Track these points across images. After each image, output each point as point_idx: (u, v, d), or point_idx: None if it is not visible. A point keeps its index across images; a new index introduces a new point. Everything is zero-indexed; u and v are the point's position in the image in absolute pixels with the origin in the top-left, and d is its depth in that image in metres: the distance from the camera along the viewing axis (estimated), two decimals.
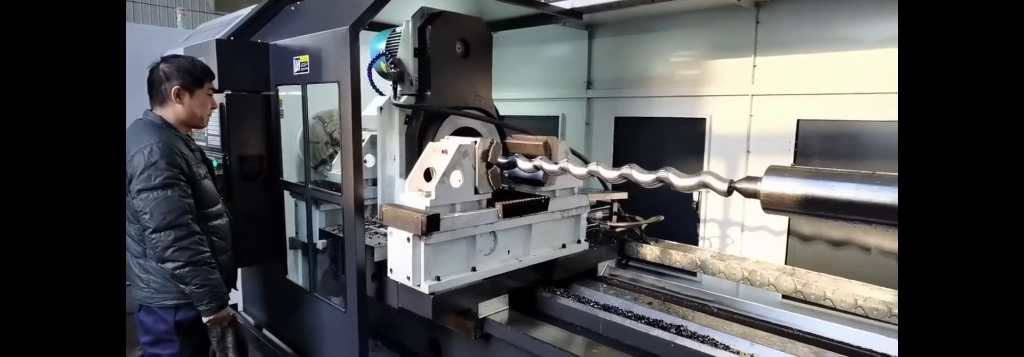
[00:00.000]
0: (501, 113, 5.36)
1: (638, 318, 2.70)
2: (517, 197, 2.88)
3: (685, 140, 4.39)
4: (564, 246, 3.19)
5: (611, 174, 2.41)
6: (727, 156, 4.16)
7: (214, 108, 2.73)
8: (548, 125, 5.33)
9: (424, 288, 2.40)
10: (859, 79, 3.50)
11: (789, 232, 3.94)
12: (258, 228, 3.14)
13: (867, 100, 3.50)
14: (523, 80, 5.49)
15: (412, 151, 2.95)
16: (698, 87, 4.24)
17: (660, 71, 4.50)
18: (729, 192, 2.04)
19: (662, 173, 2.23)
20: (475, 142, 2.62)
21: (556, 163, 2.65)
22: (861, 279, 3.34)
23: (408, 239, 2.38)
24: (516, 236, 2.90)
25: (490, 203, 2.71)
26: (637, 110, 4.66)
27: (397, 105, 3.05)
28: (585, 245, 3.32)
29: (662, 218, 3.57)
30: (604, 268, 3.60)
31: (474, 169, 2.62)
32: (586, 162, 3.51)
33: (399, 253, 2.44)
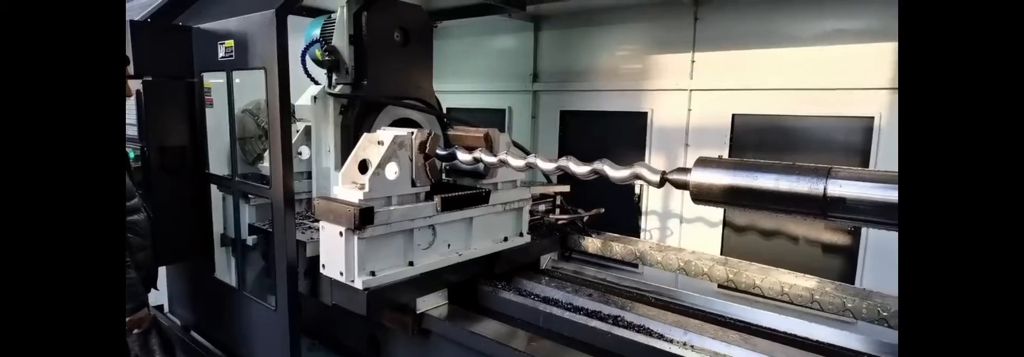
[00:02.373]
0: (447, 106, 5.28)
1: (577, 310, 2.73)
2: (457, 190, 2.84)
3: (628, 134, 4.46)
4: (506, 239, 3.18)
5: (548, 166, 2.41)
6: (667, 149, 4.27)
7: (129, 96, 2.56)
8: (495, 118, 5.31)
9: (358, 284, 2.34)
10: (791, 75, 3.66)
11: (725, 223, 4.09)
12: (182, 223, 2.98)
13: (798, 96, 3.67)
14: (469, 72, 5.44)
15: (348, 143, 2.87)
16: (641, 81, 4.32)
17: (605, 65, 4.55)
18: (661, 183, 2.07)
19: (597, 165, 2.24)
20: (412, 133, 2.56)
21: (496, 155, 2.63)
22: (790, 268, 3.50)
23: (341, 233, 2.31)
24: (456, 229, 2.87)
25: (428, 196, 2.66)
26: (582, 104, 4.70)
27: (332, 94, 2.95)
28: (527, 238, 3.32)
29: (603, 210, 3.62)
30: (547, 261, 3.62)
31: (411, 161, 2.57)
32: (527, 154, 3.52)
33: (332, 248, 2.37)
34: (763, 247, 3.92)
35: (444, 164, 3.17)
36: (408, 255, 2.58)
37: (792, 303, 2.94)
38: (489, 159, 2.62)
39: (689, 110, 4.09)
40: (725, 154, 3.97)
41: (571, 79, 4.78)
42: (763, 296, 3.07)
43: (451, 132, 3.07)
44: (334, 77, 3.05)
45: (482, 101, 5.42)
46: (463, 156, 2.71)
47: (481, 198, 2.90)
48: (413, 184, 2.58)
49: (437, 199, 2.63)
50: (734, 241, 4.05)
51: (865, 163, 3.48)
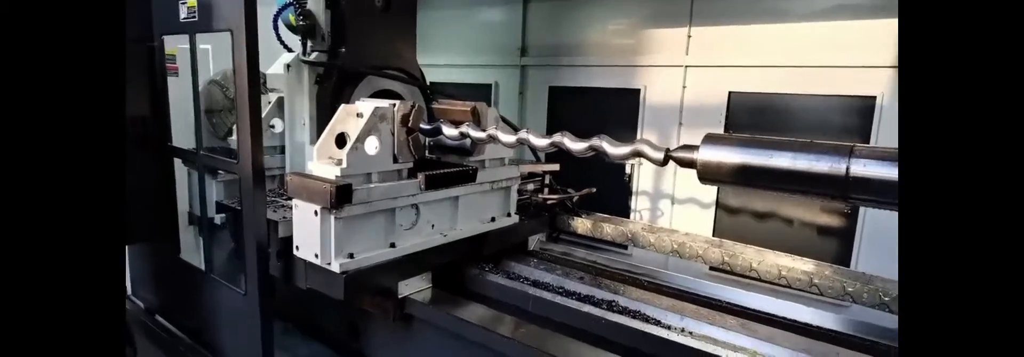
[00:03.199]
0: (429, 81, 5.05)
1: (569, 294, 2.61)
2: (442, 167, 2.66)
3: (620, 111, 4.31)
4: (493, 219, 3.03)
5: (542, 142, 2.24)
6: (660, 128, 4.12)
7: None
8: (480, 94, 5.10)
9: (335, 267, 2.17)
10: (791, 52, 3.52)
11: (718, 204, 3.99)
12: (142, 201, 2.76)
13: (797, 74, 3.53)
14: (454, 45, 5.21)
15: (324, 115, 2.66)
16: (634, 57, 4.15)
17: (596, 39, 4.36)
18: (665, 161, 1.93)
19: (595, 141, 2.09)
20: (394, 105, 2.37)
21: (484, 130, 2.46)
22: (785, 250, 3.41)
23: (316, 212, 2.13)
24: (441, 209, 2.70)
25: (411, 173, 2.49)
26: (572, 80, 4.52)
27: (306, 62, 2.72)
28: (515, 218, 3.17)
29: (594, 190, 3.48)
30: (535, 242, 3.48)
31: (393, 135, 2.38)
32: (515, 130, 3.35)
33: (306, 228, 2.19)
34: (757, 228, 3.84)
35: (428, 139, 2.98)
36: (389, 236, 2.42)
37: (789, 287, 2.85)
38: (477, 134, 2.44)
39: (684, 87, 3.94)
40: (721, 131, 3.84)
41: (561, 54, 4.58)
42: (759, 280, 2.98)
43: (436, 105, 2.87)
44: (309, 44, 2.82)
45: (467, 76, 5.20)
46: (449, 131, 2.53)
47: (468, 176, 2.73)
48: (395, 160, 2.40)
49: (421, 176, 2.46)
50: (727, 222, 3.96)
51: (853, 135, 3.38)
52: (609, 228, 3.48)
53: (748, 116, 3.76)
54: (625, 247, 3.77)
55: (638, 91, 4.13)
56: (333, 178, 2.16)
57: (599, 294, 2.63)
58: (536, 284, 2.74)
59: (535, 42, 4.79)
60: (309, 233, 2.16)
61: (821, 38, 3.42)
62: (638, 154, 1.98)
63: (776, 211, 3.75)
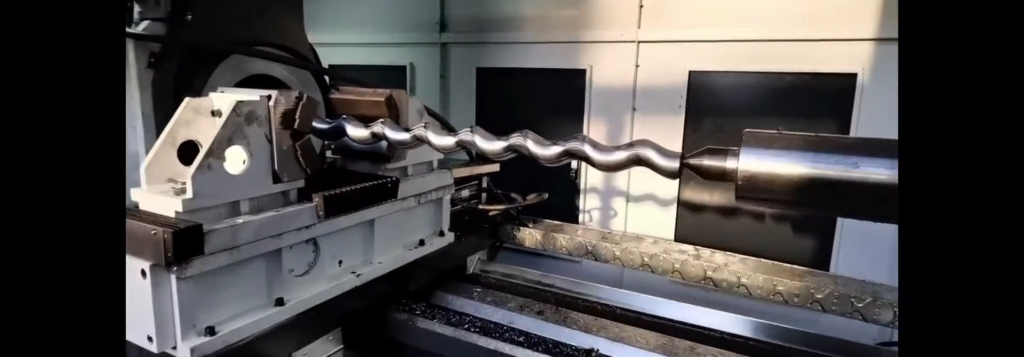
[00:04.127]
0: (333, 63, 4.22)
1: (533, 344, 1.99)
2: (350, 181, 1.94)
3: (562, 96, 3.73)
4: (422, 243, 2.35)
5: (494, 145, 1.60)
6: (610, 114, 3.58)
7: None
8: (392, 78, 4.32)
9: (182, 351, 1.41)
10: (758, 24, 3.06)
11: (679, 202, 3.52)
12: None
13: (767, 49, 3.09)
14: (356, 20, 4.37)
15: (164, 113, 1.83)
16: (577, 31, 3.56)
17: (532, 10, 3.73)
18: (679, 172, 1.35)
19: (574, 145, 1.48)
20: (269, 97, 1.61)
21: (406, 129, 1.76)
22: (756, 252, 2.99)
23: (144, 273, 1.36)
24: (351, 239, 2.00)
25: (304, 195, 1.76)
26: (504, 60, 3.87)
27: (134, 36, 1.87)
28: (450, 237, 2.52)
29: (546, 196, 2.88)
30: (475, 262, 2.84)
31: (271, 142, 1.63)
32: (446, 126, 2.66)
33: (131, 298, 1.40)
34: (724, 228, 3.41)
35: (329, 143, 2.24)
36: (274, 289, 1.69)
37: (788, 304, 2.41)
38: (398, 135, 1.75)
39: (636, 66, 3.42)
40: (680, 120, 3.35)
41: (490, 29, 3.90)
42: (750, 296, 2.52)
43: (336, 95, 2.13)
44: (136, 9, 1.95)
45: (374, 56, 4.39)
46: (356, 131, 1.83)
47: (386, 191, 2.03)
48: (276, 178, 1.66)
49: (318, 199, 1.73)
50: (690, 222, 3.51)
51: (845, 128, 2.99)
52: (563, 239, 2.92)
53: (712, 99, 3.30)
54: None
55: (583, 72, 3.56)
56: (172, 216, 1.40)
57: (571, 336, 2.04)
58: (485, 330, 2.12)
59: (457, 15, 4.07)
60: (137, 305, 1.38)
61: (794, 7, 2.98)
62: (638, 162, 1.39)
63: (742, 206, 3.33)
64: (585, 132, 3.65)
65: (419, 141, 1.76)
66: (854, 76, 2.93)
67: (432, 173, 2.38)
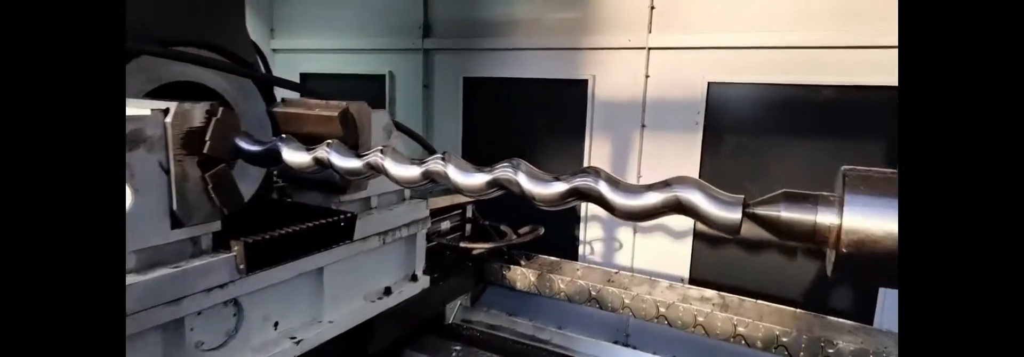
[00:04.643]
0: (300, 72, 3.85)
1: None
2: (291, 219, 1.52)
3: (559, 110, 3.34)
4: (388, 291, 1.93)
5: (473, 179, 1.20)
6: (616, 132, 3.19)
7: None
8: (370, 88, 3.93)
9: None
10: (791, 28, 2.69)
11: (695, 233, 3.11)
12: None
13: (799, 57, 2.72)
14: (331, 23, 3.99)
15: None
16: (579, 36, 3.18)
17: (527, 13, 3.35)
18: (738, 229, 0.95)
19: (584, 182, 1.10)
20: (166, 110, 1.20)
21: (358, 154, 1.35)
22: (787, 295, 2.59)
23: None
24: (290, 294, 1.57)
25: (220, 242, 1.33)
26: (495, 68, 3.48)
27: None
28: (424, 281, 2.10)
29: (542, 231, 2.47)
30: (455, 309, 2.41)
31: (166, 172, 1.21)
32: (425, 146, 2.25)
33: None
34: (748, 265, 3.00)
35: (274, 170, 1.83)
36: None
37: None
38: (346, 163, 1.34)
39: (647, 77, 3.05)
40: (697, 138, 2.96)
41: (479, 33, 3.53)
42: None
43: (280, 109, 1.72)
44: None
45: (351, 64, 4.00)
46: (294, 155, 1.41)
47: (337, 231, 1.61)
48: (176, 222, 1.23)
49: (237, 247, 1.31)
50: (708, 257, 3.09)
51: (891, 151, 2.60)
52: (561, 282, 2.51)
53: (735, 115, 2.92)
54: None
55: (585, 82, 3.19)
56: None
57: None
58: None
59: (443, 17, 3.69)
60: None
61: (831, 8, 2.61)
62: (678, 209, 1.00)
63: (772, 239, 2.89)
64: (586, 153, 3.25)
65: (373, 170, 1.34)
66: None
67: (402, 205, 1.98)
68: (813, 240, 0.89)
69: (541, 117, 3.42)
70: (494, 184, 1.19)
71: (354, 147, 1.69)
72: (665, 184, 1.05)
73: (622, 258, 3.34)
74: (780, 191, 0.95)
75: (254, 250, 1.35)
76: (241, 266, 1.34)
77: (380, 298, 1.91)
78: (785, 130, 2.81)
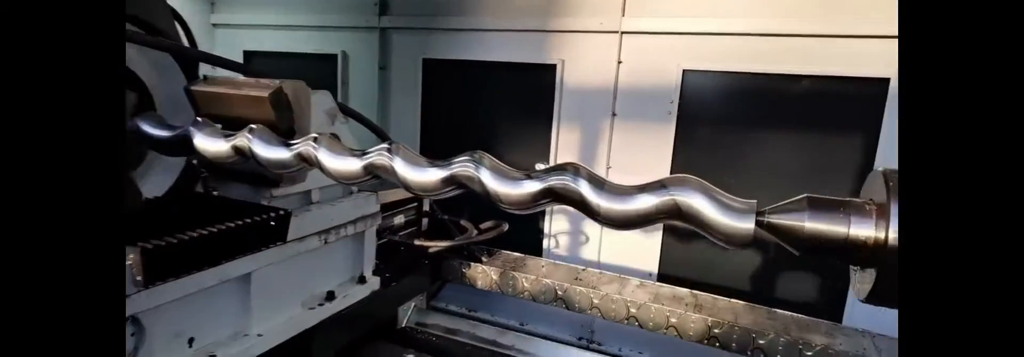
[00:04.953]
0: (244, 49, 3.55)
1: None
2: (208, 218, 1.29)
3: (526, 96, 3.15)
4: (331, 296, 1.72)
5: (425, 175, 1.02)
6: (584, 120, 3.03)
7: None
8: (320, 69, 3.65)
9: None
10: (770, 15, 2.56)
11: (665, 227, 2.98)
12: None
13: (779, 45, 2.60)
14: None
15: None
16: (547, 18, 2.99)
17: None
18: (749, 240, 0.78)
19: (561, 181, 0.92)
20: None
21: (287, 143, 1.13)
22: (759, 291, 2.49)
23: None
24: (207, 306, 1.35)
25: None
26: (457, 50, 3.26)
27: None
28: (374, 282, 1.91)
29: (506, 227, 2.29)
30: (409, 312, 2.22)
31: None
32: (378, 133, 2.02)
33: None
34: (719, 260, 2.89)
35: (195, 160, 1.59)
36: None
37: None
38: (271, 153, 1.12)
39: (619, 63, 2.89)
40: (671, 128, 2.82)
41: (440, 12, 3.30)
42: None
43: (199, 88, 1.48)
44: None
45: (300, 42, 3.71)
46: (209, 143, 1.19)
47: (266, 232, 1.39)
48: None
49: (133, 256, 1.07)
50: (678, 252, 2.98)
51: (872, 146, 2.51)
52: (525, 281, 2.35)
53: (710, 105, 2.80)
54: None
55: (553, 67, 3.01)
56: None
57: None
58: None
59: None
60: None
61: None
62: (677, 216, 0.83)
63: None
64: (553, 142, 3.08)
65: (305, 163, 1.12)
66: (886, 82, 2.45)
67: (348, 199, 1.76)
68: (844, 256, 0.73)
69: (506, 104, 3.22)
70: (451, 182, 1.00)
71: (289, 134, 1.47)
72: (661, 185, 0.88)
73: (589, 252, 3.20)
74: (802, 196, 0.80)
75: (155, 257, 1.12)
76: (138, 277, 1.11)
77: (321, 304, 1.70)
78: (762, 121, 2.70)
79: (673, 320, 2.15)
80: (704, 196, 0.84)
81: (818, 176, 2.68)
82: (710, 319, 2.08)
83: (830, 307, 2.69)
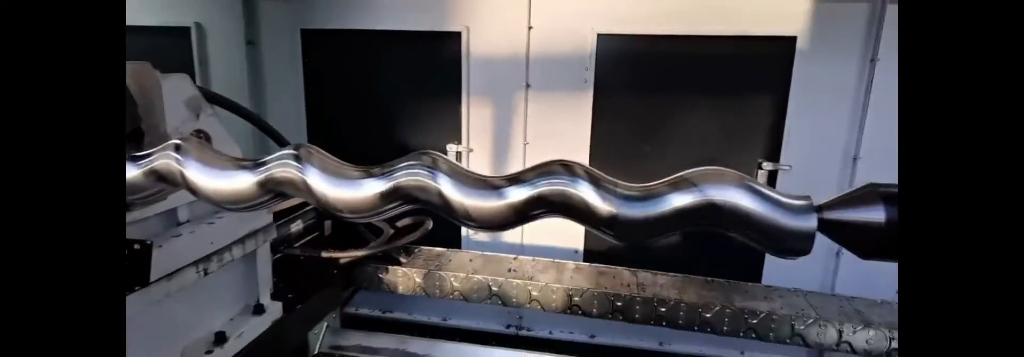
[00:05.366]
0: None
1: None
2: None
3: (426, 69, 2.80)
4: (221, 339, 1.35)
5: (357, 191, 0.70)
6: (496, 94, 2.78)
7: None
8: (170, 46, 3.02)
9: None
10: None
11: None
12: None
13: (692, 7, 2.47)
14: None
15: None
16: None
17: None
18: (810, 246, 0.58)
19: (553, 185, 0.63)
20: None
21: (135, 155, 0.75)
22: (686, 262, 2.54)
23: None
24: None
25: None
26: (342, 18, 2.84)
27: None
28: (275, 309, 1.56)
29: (430, 225, 2.00)
30: (322, 335, 1.88)
31: None
32: (265, 130, 1.61)
33: None
34: None
35: None
36: None
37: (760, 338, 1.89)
38: None
39: (529, 28, 2.63)
40: (588, 99, 2.64)
41: None
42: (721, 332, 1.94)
43: None
44: None
45: (143, 12, 3.02)
46: None
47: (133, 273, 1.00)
48: None
49: None
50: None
51: (783, 106, 2.50)
52: (454, 280, 2.10)
53: (627, 71, 2.66)
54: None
55: (457, 35, 2.70)
56: None
57: None
58: None
59: None
60: None
61: None
62: (712, 220, 0.58)
63: None
64: (464, 119, 2.78)
65: (164, 183, 0.76)
66: (792, 40, 2.42)
67: (230, 214, 1.37)
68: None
69: (406, 79, 2.86)
70: (395, 196, 0.70)
71: (135, 138, 1.07)
72: (689, 183, 0.65)
73: (511, 235, 2.99)
74: (866, 185, 0.61)
75: None
76: None
77: (209, 352, 1.32)
78: (677, 86, 2.61)
79: (618, 304, 2.01)
80: (750, 194, 0.63)
81: (733, 140, 2.66)
82: (655, 298, 1.97)
83: (748, 271, 2.72)
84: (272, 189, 0.71)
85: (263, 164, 0.71)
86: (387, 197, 0.69)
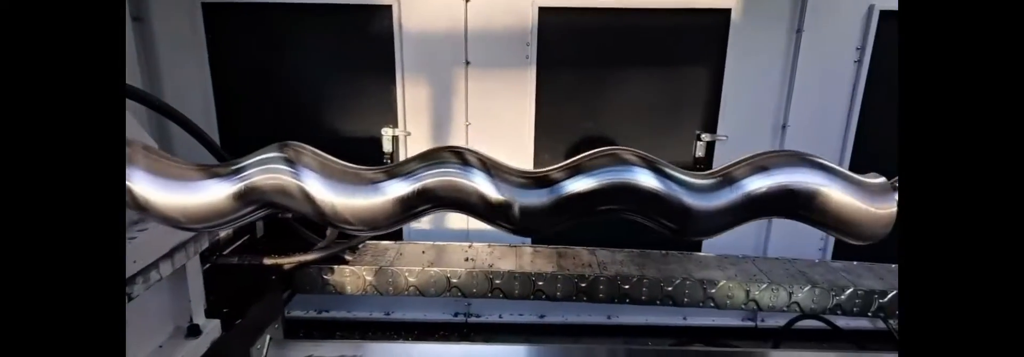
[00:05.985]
0: None
1: None
2: None
3: (357, 47, 2.57)
4: None
5: (373, 198, 0.52)
6: (433, 72, 2.60)
7: None
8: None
9: None
10: None
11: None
12: None
13: None
14: None
15: None
16: None
17: None
18: (888, 231, 0.53)
19: (620, 173, 0.49)
20: None
21: None
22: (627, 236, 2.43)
23: None
24: None
25: None
26: None
27: None
28: (212, 328, 1.36)
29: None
30: (265, 349, 1.67)
31: None
32: (183, 125, 1.34)
33: None
34: None
35: None
36: None
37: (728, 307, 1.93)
38: None
39: (466, 1, 2.44)
40: (531, 73, 2.53)
41: None
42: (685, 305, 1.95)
43: None
44: None
45: None
46: None
47: None
48: None
49: None
50: None
51: (719, 77, 2.53)
52: (409, 275, 1.94)
53: (569, 46, 2.55)
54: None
55: (387, 9, 2.47)
56: None
57: None
58: None
59: None
60: None
61: None
62: (785, 208, 0.56)
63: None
64: (400, 101, 2.58)
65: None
66: (727, 13, 2.43)
67: (145, 223, 1.13)
68: None
69: (333, 58, 2.59)
70: (422, 200, 0.55)
71: None
72: (758, 167, 0.56)
73: (454, 221, 2.85)
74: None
75: None
76: None
77: None
78: (617, 60, 2.56)
79: (582, 285, 1.95)
80: (827, 176, 0.55)
81: (674, 112, 2.66)
82: (619, 277, 1.92)
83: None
84: (253, 201, 0.53)
85: (240, 169, 0.53)
86: (410, 202, 0.53)
